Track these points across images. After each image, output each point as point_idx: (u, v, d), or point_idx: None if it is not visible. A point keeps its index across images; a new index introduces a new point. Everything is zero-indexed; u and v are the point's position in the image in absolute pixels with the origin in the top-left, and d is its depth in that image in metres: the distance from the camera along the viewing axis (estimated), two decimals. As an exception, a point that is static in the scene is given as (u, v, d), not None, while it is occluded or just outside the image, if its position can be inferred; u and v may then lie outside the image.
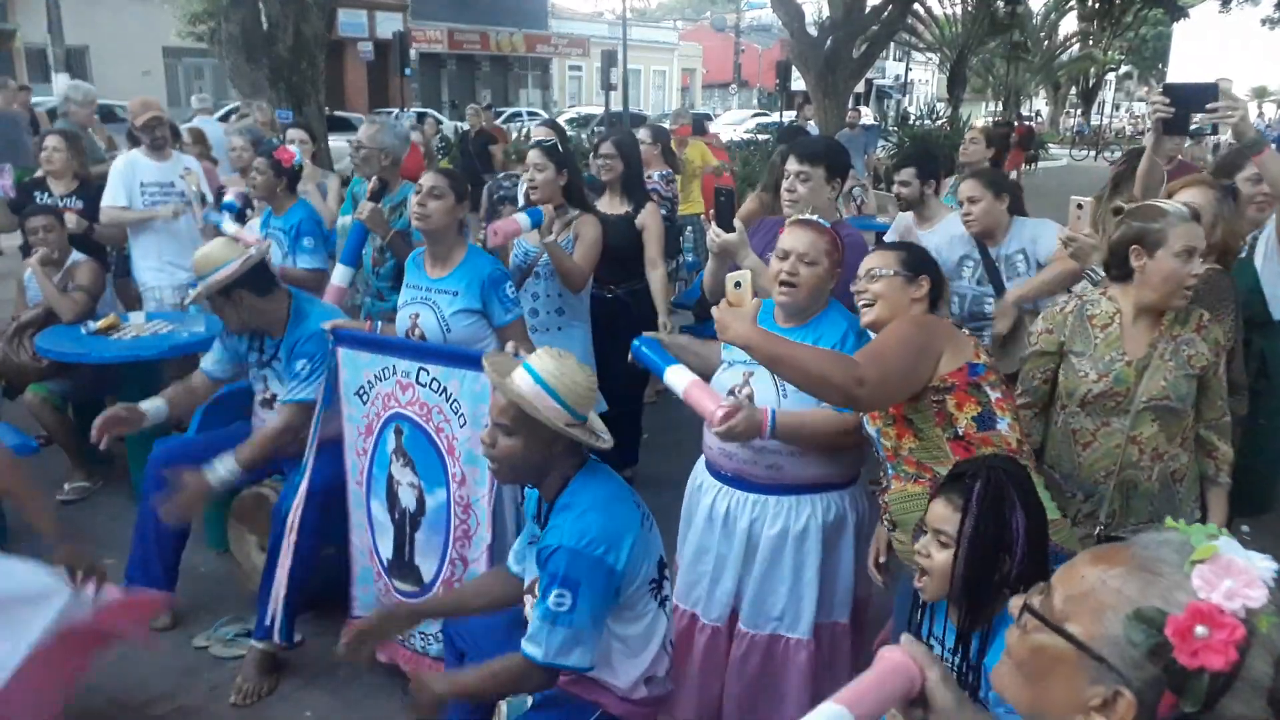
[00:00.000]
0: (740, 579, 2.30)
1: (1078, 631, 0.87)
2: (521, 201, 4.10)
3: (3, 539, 3.65)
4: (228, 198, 4.26)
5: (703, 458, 2.42)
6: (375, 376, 2.69)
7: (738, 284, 1.96)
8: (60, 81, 15.95)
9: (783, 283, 2.20)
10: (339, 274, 3.49)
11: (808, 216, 2.31)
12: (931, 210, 3.63)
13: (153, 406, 2.95)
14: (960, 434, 1.93)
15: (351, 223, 3.57)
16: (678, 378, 2.19)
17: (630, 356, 2.37)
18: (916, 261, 2.07)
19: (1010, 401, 2.00)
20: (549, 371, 1.89)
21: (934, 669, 1.10)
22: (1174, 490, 2.18)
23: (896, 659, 1.11)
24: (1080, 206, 2.50)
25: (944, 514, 1.64)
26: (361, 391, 2.73)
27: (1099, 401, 2.15)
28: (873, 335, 2.16)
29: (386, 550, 2.73)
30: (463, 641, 2.25)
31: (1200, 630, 0.79)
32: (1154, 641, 0.82)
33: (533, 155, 3.54)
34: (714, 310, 1.93)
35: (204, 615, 3.14)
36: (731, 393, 2.24)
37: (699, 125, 8.11)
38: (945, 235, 3.32)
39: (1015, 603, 0.97)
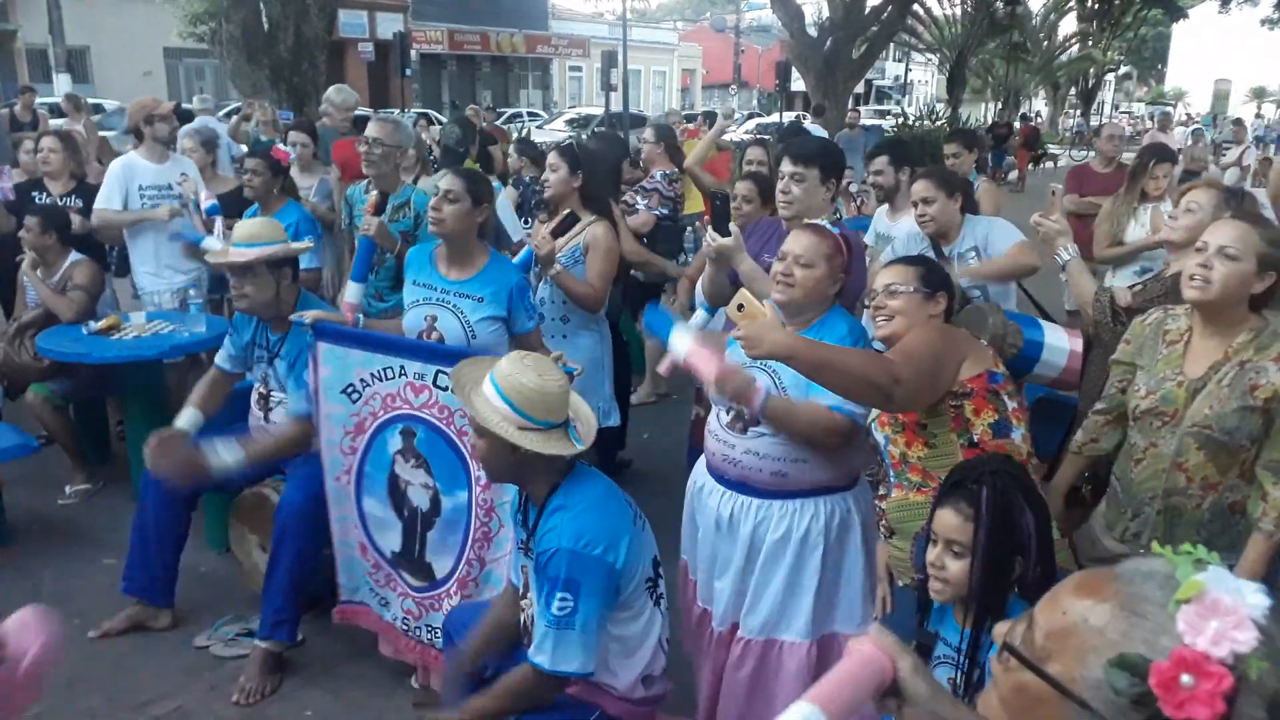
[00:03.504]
0: (741, 584, 2.29)
1: (1059, 672, 0.83)
2: (505, 209, 4.09)
3: (3, 539, 3.66)
4: (209, 201, 4.19)
5: (702, 459, 2.42)
6: (373, 375, 2.66)
7: (740, 306, 1.93)
8: (61, 82, 15.99)
9: (778, 281, 2.23)
10: (352, 291, 3.46)
11: (815, 221, 2.32)
12: (903, 201, 3.60)
13: (188, 418, 2.99)
14: (975, 440, 1.93)
15: (359, 238, 3.56)
16: (679, 343, 2.12)
17: (643, 327, 2.37)
18: (934, 278, 2.07)
19: (1025, 413, 1.99)
20: (502, 374, 1.89)
21: (905, 659, 1.08)
22: (1233, 522, 2.01)
23: (866, 651, 1.08)
24: (1054, 193, 2.67)
25: (955, 524, 1.64)
26: (350, 390, 2.69)
27: (1145, 419, 2.07)
28: (878, 344, 2.15)
29: (391, 544, 2.73)
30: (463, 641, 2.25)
31: (1186, 680, 0.75)
32: (1138, 691, 0.78)
33: (551, 156, 3.50)
34: (735, 333, 1.90)
35: (205, 615, 3.14)
36: None
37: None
38: (906, 231, 3.32)
39: (999, 631, 0.94)
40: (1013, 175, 18.11)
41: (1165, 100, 57.14)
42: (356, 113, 6.50)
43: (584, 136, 14.11)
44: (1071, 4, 31.65)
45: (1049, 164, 23.48)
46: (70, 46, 17.70)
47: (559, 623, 1.80)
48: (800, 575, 2.23)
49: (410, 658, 2.78)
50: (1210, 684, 0.75)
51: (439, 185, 2.87)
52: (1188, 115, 45.18)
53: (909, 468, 2.01)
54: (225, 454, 2.73)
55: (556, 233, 3.24)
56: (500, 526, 2.54)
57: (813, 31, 16.06)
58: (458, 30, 29.08)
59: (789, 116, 17.07)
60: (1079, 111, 41.18)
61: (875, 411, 2.08)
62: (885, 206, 3.76)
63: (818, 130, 10.50)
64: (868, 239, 3.62)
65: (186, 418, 3.00)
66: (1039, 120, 35.38)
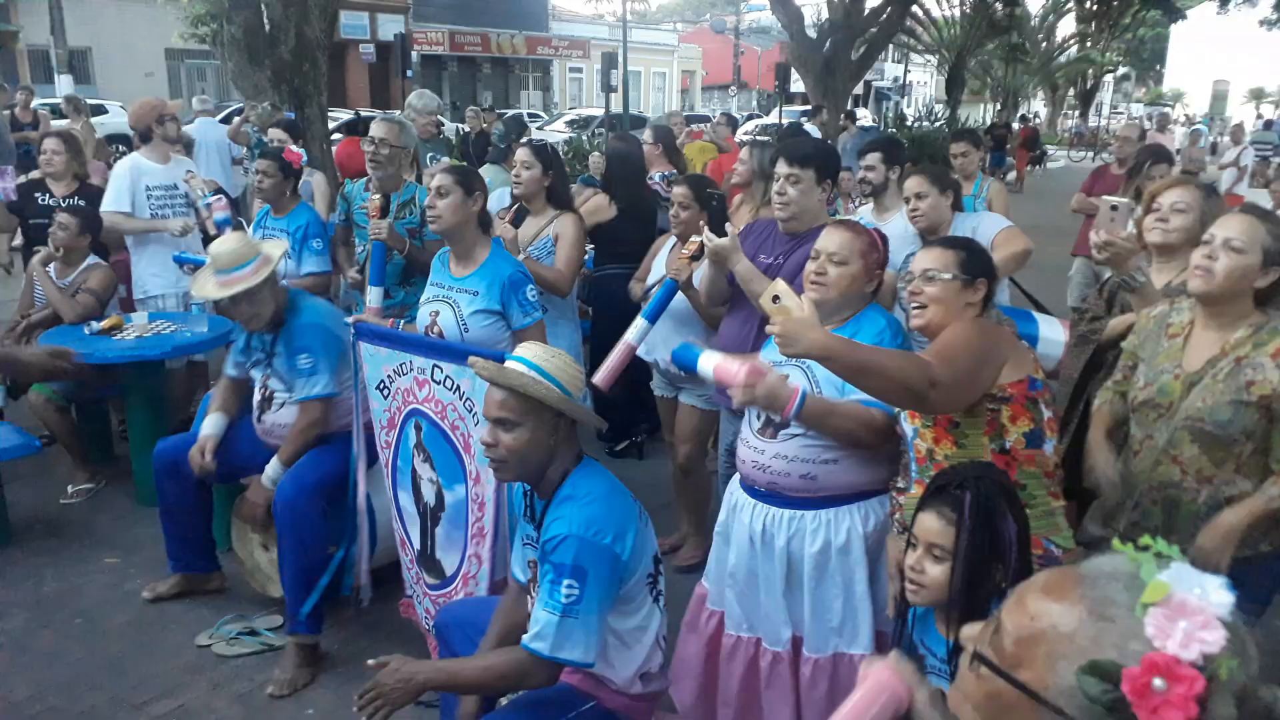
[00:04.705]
0: (790, 600, 2.23)
1: (1030, 679, 0.83)
2: (506, 200, 4.14)
3: (5, 538, 3.67)
4: (222, 213, 4.16)
5: (737, 475, 2.35)
6: (394, 371, 2.72)
7: (776, 298, 1.87)
8: (63, 83, 16.00)
9: (812, 281, 2.18)
10: (373, 295, 3.49)
11: (848, 217, 2.26)
12: (891, 200, 3.59)
13: (213, 424, 3.10)
14: (1007, 447, 1.88)
15: (371, 243, 3.58)
16: (706, 363, 2.08)
17: (674, 366, 2.37)
18: (975, 263, 1.96)
19: (1056, 423, 1.96)
20: (540, 357, 1.93)
21: (922, 689, 1.09)
22: None
23: (884, 678, 1.09)
24: (1115, 208, 2.37)
25: (936, 528, 1.63)
26: (382, 386, 2.78)
27: (1142, 411, 2.08)
28: (918, 336, 2.11)
29: (415, 540, 2.79)
30: (457, 643, 2.24)
31: (1158, 683, 0.75)
32: (1111, 697, 0.77)
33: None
34: (771, 327, 1.82)
35: (207, 614, 3.16)
36: None
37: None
38: (897, 230, 3.30)
39: (967, 634, 0.93)
40: (1011, 176, 18.12)
41: (1164, 101, 57.19)
42: (363, 114, 6.53)
43: (584, 137, 14.12)
44: (1070, 5, 31.69)
45: (1046, 165, 23.51)
46: (72, 48, 17.71)
47: (565, 610, 1.78)
48: (852, 586, 2.17)
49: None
50: (1183, 688, 0.74)
51: (429, 184, 2.93)
52: (1186, 116, 45.19)
53: (934, 464, 1.96)
54: (271, 473, 2.94)
55: (513, 223, 3.39)
56: (492, 522, 2.55)
57: (812, 33, 16.08)
58: (458, 31, 29.10)
59: (788, 117, 17.09)
60: (1077, 112, 41.22)
61: None
62: (870, 204, 3.77)
63: (815, 131, 10.52)
64: None
65: (212, 424, 3.10)
66: (1037, 121, 35.41)
